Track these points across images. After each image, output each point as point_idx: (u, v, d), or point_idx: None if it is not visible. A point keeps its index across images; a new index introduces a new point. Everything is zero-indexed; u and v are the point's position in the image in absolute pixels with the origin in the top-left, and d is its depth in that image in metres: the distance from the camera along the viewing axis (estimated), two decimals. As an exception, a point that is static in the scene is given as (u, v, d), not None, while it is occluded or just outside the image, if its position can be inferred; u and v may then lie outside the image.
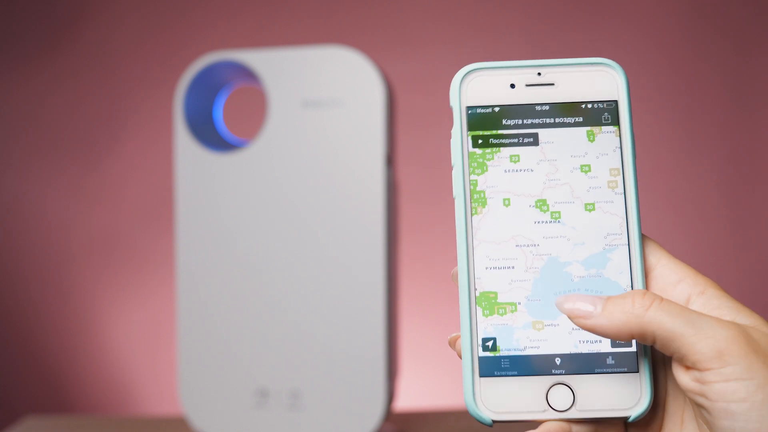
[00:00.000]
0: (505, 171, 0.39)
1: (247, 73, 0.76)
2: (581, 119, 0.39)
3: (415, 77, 1.26)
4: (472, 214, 0.38)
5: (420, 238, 1.26)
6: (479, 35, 1.29)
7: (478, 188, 0.39)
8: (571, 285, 0.37)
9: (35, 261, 1.34)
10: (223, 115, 0.80)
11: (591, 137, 0.39)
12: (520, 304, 0.37)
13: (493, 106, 0.39)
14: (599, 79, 0.39)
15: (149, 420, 0.91)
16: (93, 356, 1.34)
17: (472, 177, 0.39)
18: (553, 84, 0.40)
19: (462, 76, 0.40)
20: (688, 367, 0.35)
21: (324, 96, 0.73)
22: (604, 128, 0.39)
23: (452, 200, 0.39)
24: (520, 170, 0.39)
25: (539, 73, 0.40)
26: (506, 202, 0.38)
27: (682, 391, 0.37)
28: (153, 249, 1.31)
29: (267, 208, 0.74)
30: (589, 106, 0.39)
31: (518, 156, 0.39)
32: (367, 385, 0.72)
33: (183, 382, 0.76)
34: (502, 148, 0.39)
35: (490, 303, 0.38)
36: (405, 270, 1.10)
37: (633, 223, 0.38)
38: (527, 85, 0.40)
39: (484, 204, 0.39)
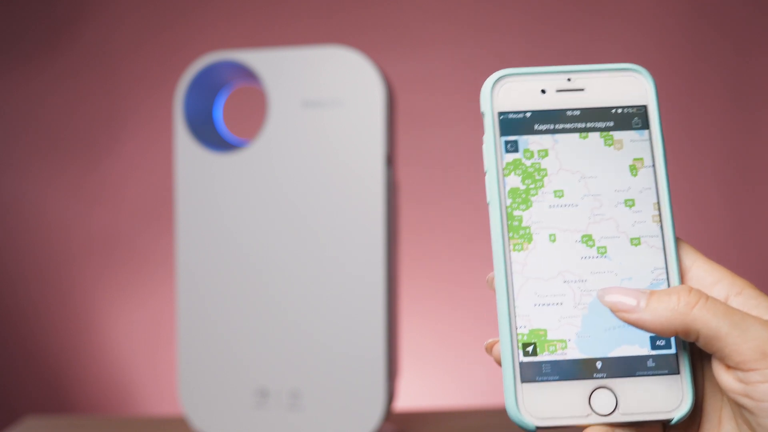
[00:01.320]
0: (550, 206, 0.39)
1: (247, 73, 0.76)
2: (612, 124, 0.39)
3: (415, 77, 1.26)
4: (513, 249, 0.38)
5: (420, 238, 1.26)
6: (479, 35, 1.29)
7: (523, 224, 0.39)
8: (618, 320, 0.37)
9: (35, 261, 1.34)
10: (223, 115, 0.80)
11: (634, 172, 0.39)
12: (570, 340, 0.37)
13: (524, 112, 0.39)
14: (628, 85, 0.40)
15: (149, 420, 0.91)
16: (93, 356, 1.34)
17: (516, 213, 0.39)
18: (583, 89, 0.40)
19: (493, 82, 0.40)
20: (729, 367, 0.35)
21: (324, 96, 0.73)
22: (635, 132, 0.39)
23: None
24: (565, 205, 0.39)
25: (569, 79, 0.40)
26: (552, 238, 0.38)
27: (720, 391, 0.37)
28: (153, 249, 1.31)
29: (267, 208, 0.74)
30: (620, 111, 0.40)
31: (562, 191, 0.39)
32: (367, 385, 0.72)
33: (183, 382, 0.76)
34: (544, 180, 0.39)
35: (540, 340, 0.37)
36: (405, 270, 1.10)
37: (667, 224, 0.39)
38: (558, 91, 0.40)
39: (530, 240, 0.38)
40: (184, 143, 0.76)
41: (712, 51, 1.27)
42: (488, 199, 0.39)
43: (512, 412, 0.37)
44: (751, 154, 1.27)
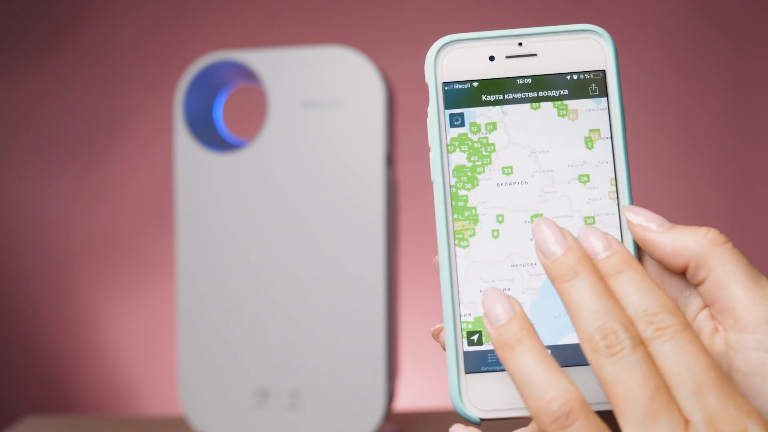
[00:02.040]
0: (498, 185, 0.36)
1: (247, 73, 0.76)
2: (566, 92, 0.37)
3: (415, 77, 1.26)
4: (457, 232, 0.36)
5: (420, 238, 1.26)
6: (479, 35, 1.29)
7: (468, 204, 0.36)
8: None
9: (35, 261, 1.34)
10: (223, 115, 0.80)
11: (589, 144, 0.36)
12: None
13: (471, 81, 0.37)
14: (585, 48, 0.37)
15: (149, 420, 0.91)
16: (93, 356, 1.34)
17: (462, 192, 0.36)
18: (535, 55, 0.37)
19: (437, 49, 0.37)
20: (716, 330, 0.32)
21: (324, 96, 0.73)
22: (592, 101, 0.36)
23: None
24: (514, 183, 0.36)
25: (520, 44, 0.37)
26: (500, 219, 0.36)
27: None
28: (153, 249, 1.31)
29: (267, 208, 0.74)
30: (575, 77, 0.37)
31: (511, 168, 0.36)
32: (367, 385, 0.72)
33: (183, 382, 0.76)
34: (492, 156, 0.36)
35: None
36: (405, 270, 1.10)
37: (624, 201, 0.36)
38: (507, 57, 0.37)
39: (475, 221, 0.36)
40: (184, 143, 0.76)
41: (712, 51, 1.27)
42: (432, 177, 0.36)
43: (456, 403, 0.35)
44: (751, 154, 1.27)
